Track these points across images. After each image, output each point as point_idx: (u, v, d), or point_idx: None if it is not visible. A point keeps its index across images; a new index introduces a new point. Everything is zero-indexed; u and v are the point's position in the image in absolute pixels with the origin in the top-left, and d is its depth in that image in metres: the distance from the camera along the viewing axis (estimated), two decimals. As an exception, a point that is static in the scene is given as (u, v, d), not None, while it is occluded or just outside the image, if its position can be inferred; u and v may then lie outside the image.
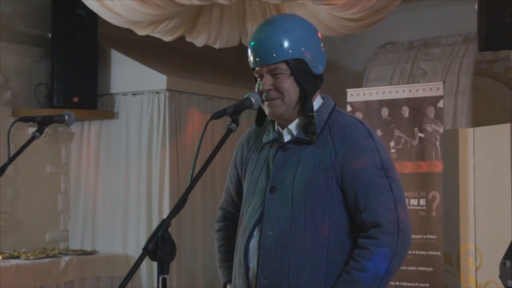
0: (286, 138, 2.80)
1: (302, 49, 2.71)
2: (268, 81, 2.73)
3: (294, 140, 2.78)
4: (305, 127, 2.75)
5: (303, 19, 2.86)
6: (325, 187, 2.69)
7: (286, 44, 2.69)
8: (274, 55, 2.70)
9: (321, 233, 2.67)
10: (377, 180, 2.68)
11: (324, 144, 2.73)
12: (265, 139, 2.85)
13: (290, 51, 2.70)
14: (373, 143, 2.73)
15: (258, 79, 2.78)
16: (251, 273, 2.76)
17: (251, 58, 2.77)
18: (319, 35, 2.83)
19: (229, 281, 2.96)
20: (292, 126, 2.79)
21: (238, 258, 2.82)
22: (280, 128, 2.82)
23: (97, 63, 6.90)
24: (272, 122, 2.85)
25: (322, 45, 2.82)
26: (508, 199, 5.37)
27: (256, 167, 2.85)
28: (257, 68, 2.76)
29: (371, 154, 2.71)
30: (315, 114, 2.74)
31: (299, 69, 2.71)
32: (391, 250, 2.64)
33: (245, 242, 2.78)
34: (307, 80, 2.73)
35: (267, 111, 2.78)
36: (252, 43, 2.76)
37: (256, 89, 2.77)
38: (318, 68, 2.76)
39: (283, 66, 2.71)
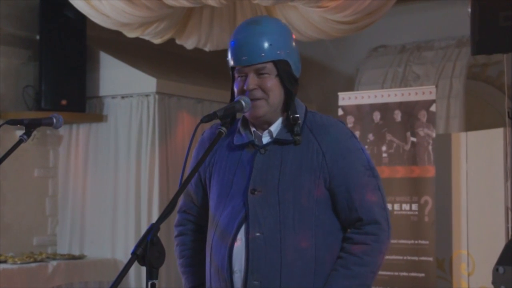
0: (265, 140, 2.76)
1: (288, 51, 2.72)
2: (253, 80, 2.69)
3: (274, 141, 2.74)
4: (287, 128, 2.74)
5: (283, 22, 2.86)
6: (312, 187, 2.68)
7: (275, 44, 2.68)
8: (263, 54, 2.67)
9: (308, 233, 2.67)
10: (367, 179, 2.73)
11: (308, 144, 2.72)
12: (237, 141, 2.80)
13: (278, 52, 2.69)
14: (357, 143, 2.78)
15: (238, 78, 2.73)
16: (236, 276, 2.71)
17: (233, 56, 2.72)
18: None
19: (196, 286, 2.95)
20: (273, 128, 2.75)
21: (216, 262, 2.76)
22: (256, 130, 2.77)
23: (86, 65, 6.85)
24: (243, 123, 2.80)
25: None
26: (501, 204, 5.35)
27: (227, 170, 2.79)
28: (238, 67, 2.71)
29: (358, 154, 2.74)
30: (298, 116, 2.73)
31: (284, 71, 2.71)
32: (385, 246, 2.71)
33: (229, 245, 2.72)
34: (290, 82, 2.73)
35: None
36: (236, 41, 2.72)
37: (236, 88, 2.74)
38: (298, 71, 2.77)
39: (270, 66, 2.69)
